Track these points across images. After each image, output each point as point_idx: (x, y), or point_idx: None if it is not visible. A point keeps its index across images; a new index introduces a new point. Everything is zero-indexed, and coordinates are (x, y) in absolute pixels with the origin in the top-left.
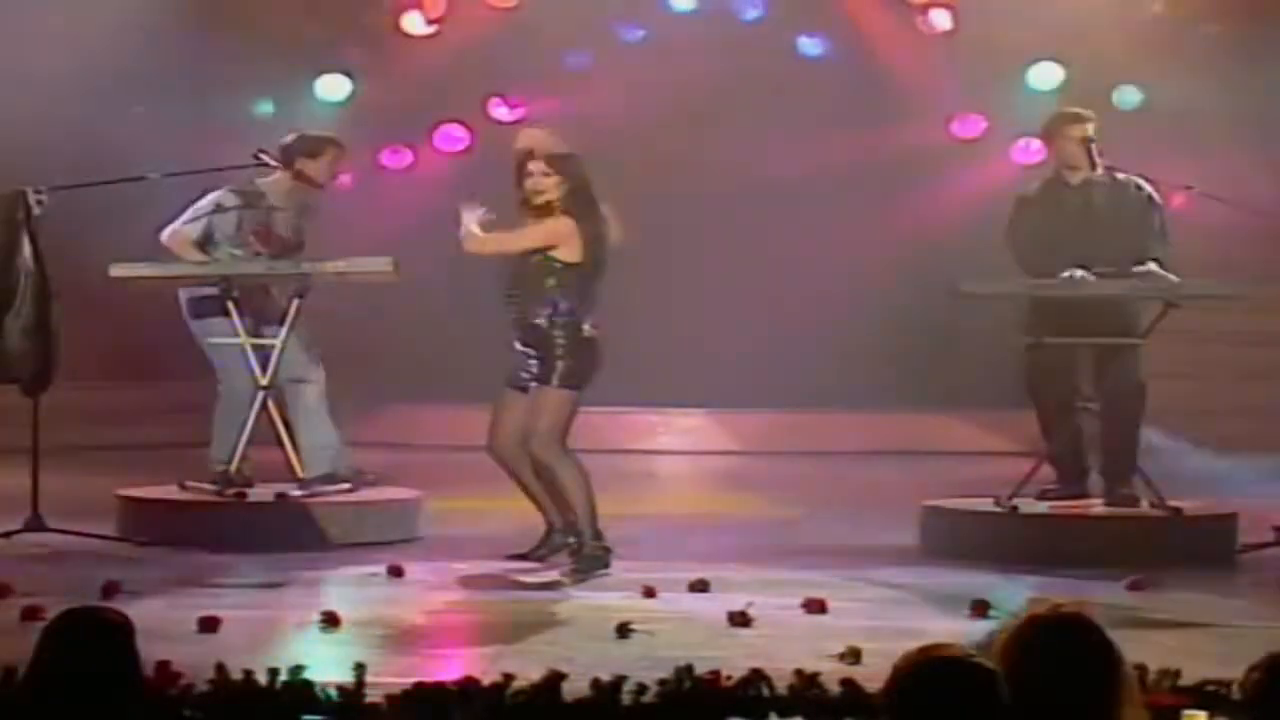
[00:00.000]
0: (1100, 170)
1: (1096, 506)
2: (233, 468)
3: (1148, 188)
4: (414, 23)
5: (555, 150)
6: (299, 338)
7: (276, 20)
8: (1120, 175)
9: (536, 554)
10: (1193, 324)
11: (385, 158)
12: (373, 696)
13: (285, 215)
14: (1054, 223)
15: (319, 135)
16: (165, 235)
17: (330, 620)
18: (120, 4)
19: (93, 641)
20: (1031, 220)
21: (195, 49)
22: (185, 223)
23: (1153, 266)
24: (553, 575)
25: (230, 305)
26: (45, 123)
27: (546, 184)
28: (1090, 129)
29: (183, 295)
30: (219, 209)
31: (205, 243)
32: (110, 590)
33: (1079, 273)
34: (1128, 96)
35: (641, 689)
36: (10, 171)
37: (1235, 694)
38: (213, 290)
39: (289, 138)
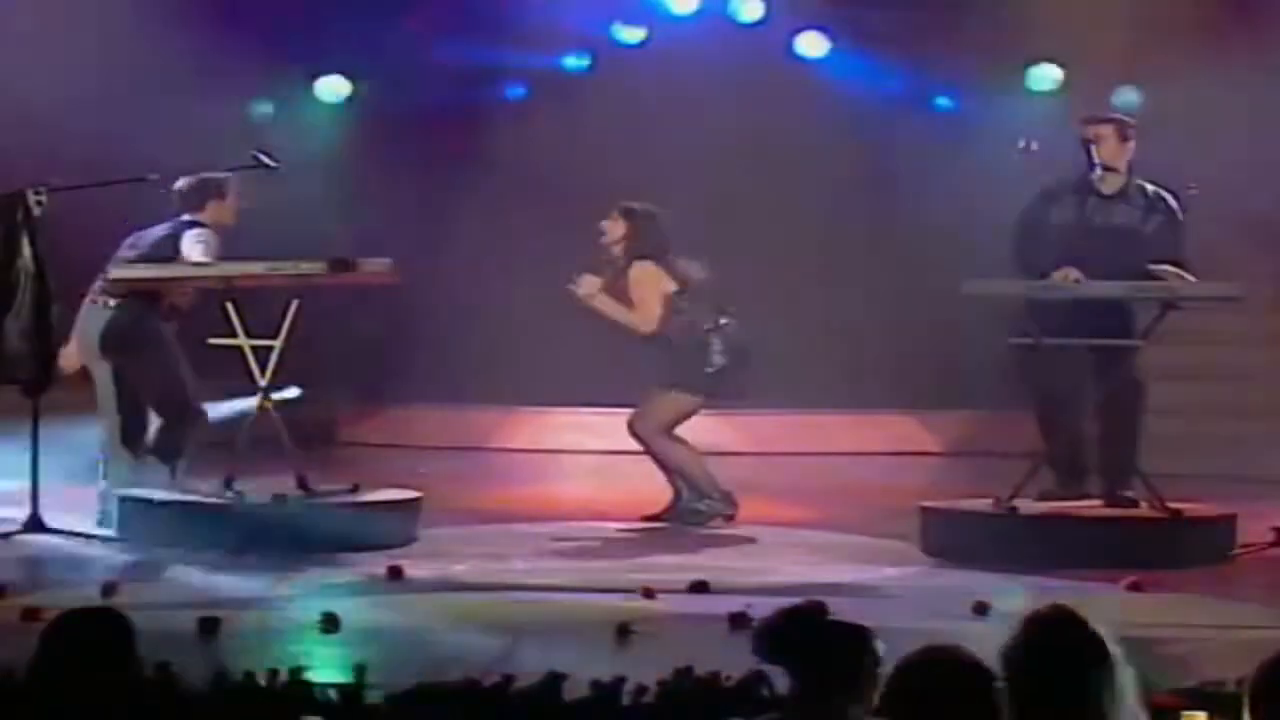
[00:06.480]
0: (1099, 172)
1: (1096, 507)
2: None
3: (1178, 210)
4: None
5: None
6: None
7: (277, 20)
8: (1150, 188)
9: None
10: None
11: None
12: (373, 697)
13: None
14: (1074, 226)
15: (219, 177)
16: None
17: (330, 621)
18: (118, 3)
19: (93, 642)
20: (1047, 219)
21: (193, 49)
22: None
23: (1163, 268)
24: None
25: (230, 307)
26: (43, 123)
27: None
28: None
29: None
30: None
31: None
32: (110, 590)
33: (1074, 273)
34: (1128, 96)
35: (641, 689)
36: (10, 172)
37: (1235, 694)
38: None
39: (185, 183)
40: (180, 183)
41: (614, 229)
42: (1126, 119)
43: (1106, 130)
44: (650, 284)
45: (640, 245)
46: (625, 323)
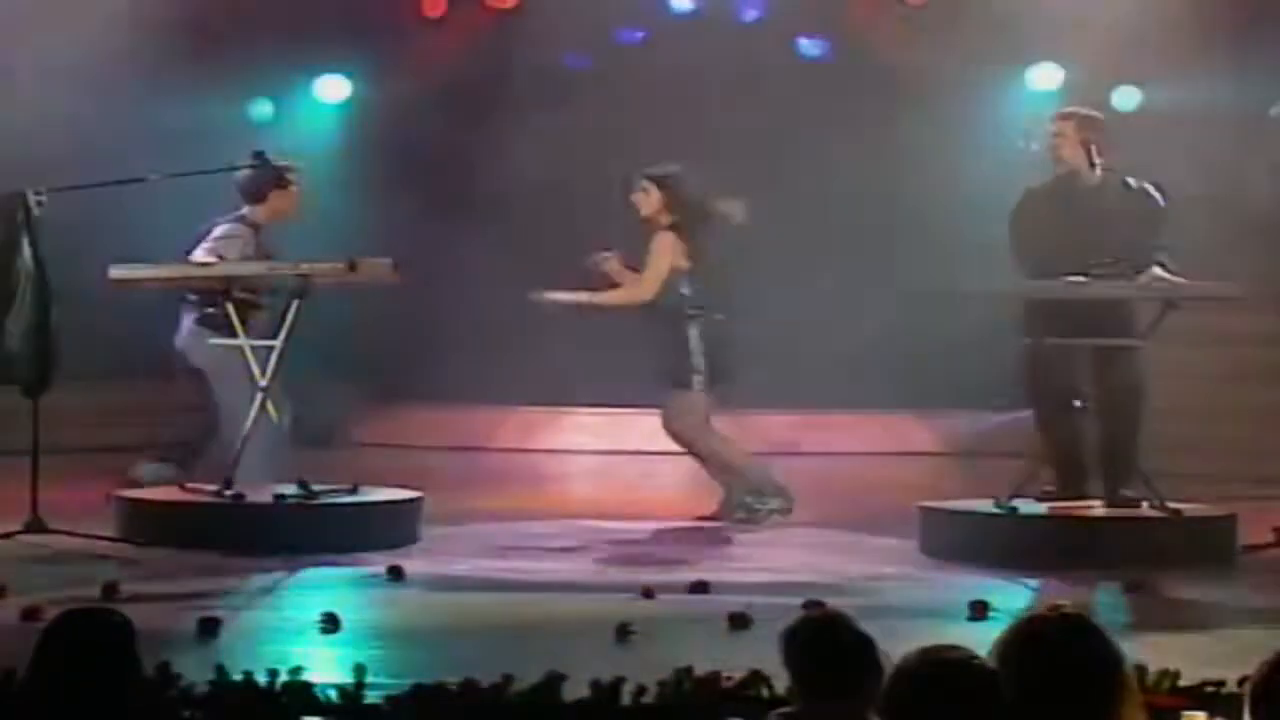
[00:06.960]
0: (1099, 173)
1: (1096, 507)
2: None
3: (1159, 197)
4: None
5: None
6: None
7: (276, 19)
8: (1132, 181)
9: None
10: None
11: None
12: (373, 697)
13: (269, 240)
14: (1061, 218)
15: (282, 164)
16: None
17: (330, 621)
18: (118, 4)
19: (93, 642)
20: (1037, 213)
21: (194, 49)
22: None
23: (1156, 270)
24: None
25: (231, 308)
26: (43, 124)
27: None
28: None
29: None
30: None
31: None
32: (110, 590)
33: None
34: (1128, 96)
35: (641, 690)
36: (9, 172)
37: (1235, 694)
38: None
39: (244, 175)
40: (240, 173)
41: (648, 200)
42: (1088, 113)
43: (1067, 126)
44: (664, 254)
45: (678, 210)
46: (623, 304)
